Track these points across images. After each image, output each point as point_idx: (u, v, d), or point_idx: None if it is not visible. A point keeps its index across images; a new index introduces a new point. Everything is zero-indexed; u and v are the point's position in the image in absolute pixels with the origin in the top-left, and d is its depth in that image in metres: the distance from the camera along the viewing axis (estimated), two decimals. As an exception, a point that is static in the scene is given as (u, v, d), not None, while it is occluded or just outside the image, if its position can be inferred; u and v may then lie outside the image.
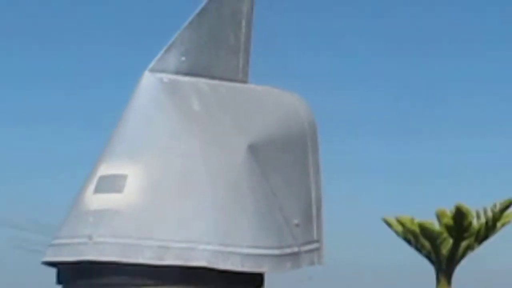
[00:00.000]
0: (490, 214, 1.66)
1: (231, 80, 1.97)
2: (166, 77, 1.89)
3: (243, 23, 2.00)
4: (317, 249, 1.97)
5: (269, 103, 1.98)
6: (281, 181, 1.92)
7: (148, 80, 1.88)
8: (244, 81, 2.00)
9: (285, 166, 1.95)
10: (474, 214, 1.64)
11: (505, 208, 1.62)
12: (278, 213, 1.88)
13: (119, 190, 1.82)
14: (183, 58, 1.91)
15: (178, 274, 1.76)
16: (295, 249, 1.89)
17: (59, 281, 1.88)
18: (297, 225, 1.92)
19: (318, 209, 1.98)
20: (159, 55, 1.89)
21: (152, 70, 1.88)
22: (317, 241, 1.98)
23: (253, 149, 1.86)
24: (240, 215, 1.82)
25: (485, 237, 1.74)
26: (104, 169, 1.84)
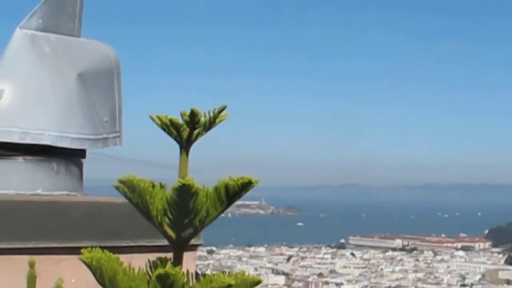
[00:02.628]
0: (211, 114, 2.17)
1: (70, 35, 2.86)
2: (29, 32, 2.76)
3: (78, 2, 2.83)
4: (119, 136, 2.89)
5: (91, 49, 2.88)
6: (97, 96, 2.82)
7: (18, 33, 2.76)
8: (78, 36, 2.87)
9: (100, 86, 2.84)
10: (202, 114, 2.15)
11: (221, 110, 2.13)
12: (95, 115, 2.79)
13: (-1, 98, 2.68)
14: (40, 21, 2.77)
15: (34, 149, 2.67)
16: (105, 136, 2.82)
17: None
18: (106, 122, 2.84)
19: (120, 113, 2.90)
20: (25, 18, 2.77)
21: (21, 28, 2.78)
22: (119, 131, 2.89)
23: (81, 76, 2.78)
24: (71, 116, 2.73)
25: (209, 128, 2.27)
26: (-9, 86, 2.70)
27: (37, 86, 2.67)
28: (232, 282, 1.91)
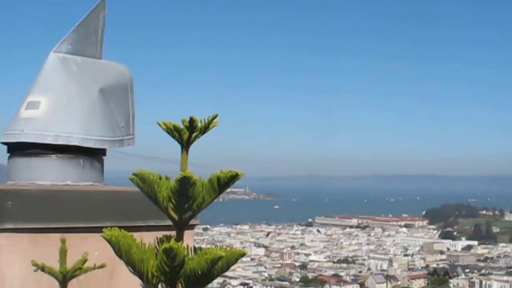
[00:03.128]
0: (206, 121, 2.13)
1: (93, 58, 2.85)
2: (60, 55, 2.76)
3: (99, 31, 2.82)
4: (132, 138, 2.88)
5: (110, 68, 2.87)
6: (115, 105, 2.81)
7: (52, 56, 2.76)
8: (99, 58, 2.87)
9: (117, 98, 2.84)
10: (199, 120, 2.10)
11: (213, 118, 2.09)
12: (113, 121, 2.79)
13: (36, 108, 2.68)
14: (69, 46, 2.76)
15: (65, 149, 2.66)
16: (121, 138, 2.82)
17: (8, 152, 2.72)
18: (122, 127, 2.83)
19: (133, 119, 2.89)
20: (57, 44, 2.77)
21: (54, 51, 2.77)
22: (132, 134, 2.88)
23: (102, 90, 2.78)
24: (94, 122, 2.72)
25: (204, 132, 2.21)
26: (30, 98, 2.70)
27: (67, 98, 2.67)
28: (223, 254, 1.91)
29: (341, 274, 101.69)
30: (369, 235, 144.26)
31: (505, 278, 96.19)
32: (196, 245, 2.25)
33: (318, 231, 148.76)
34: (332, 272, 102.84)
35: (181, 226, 2.00)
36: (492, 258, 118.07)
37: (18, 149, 2.67)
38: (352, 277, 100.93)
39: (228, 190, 2.03)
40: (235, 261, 1.97)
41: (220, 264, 1.93)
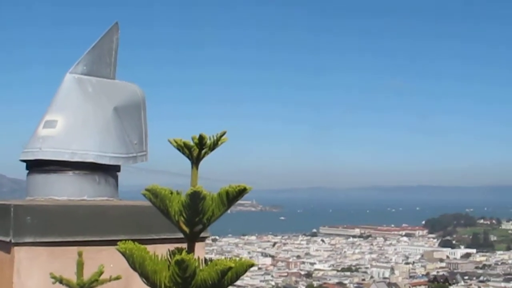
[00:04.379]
0: (215, 138, 2.07)
1: (107, 78, 2.85)
2: (76, 75, 2.76)
3: (113, 53, 2.83)
4: (145, 154, 2.88)
5: (123, 88, 2.88)
6: (128, 123, 2.81)
7: (68, 77, 2.76)
8: (113, 78, 2.87)
9: (130, 116, 2.83)
10: (208, 137, 2.02)
11: (222, 135, 2.06)
12: (126, 138, 2.79)
13: (53, 127, 2.68)
14: (84, 67, 2.77)
15: (81, 166, 2.67)
16: (134, 154, 2.81)
17: (27, 169, 2.73)
18: (135, 144, 2.83)
19: (145, 136, 2.88)
20: (73, 65, 2.78)
21: (70, 72, 2.77)
22: (145, 151, 2.88)
23: (116, 109, 2.78)
24: (108, 139, 2.73)
25: (213, 148, 2.18)
26: (48, 117, 2.71)
27: (82, 117, 2.67)
28: (232, 265, 1.91)
29: (345, 282, 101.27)
30: (372, 244, 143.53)
31: (503, 284, 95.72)
32: (207, 256, 2.25)
33: (323, 240, 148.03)
34: (336, 280, 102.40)
35: (192, 238, 1.99)
36: (490, 265, 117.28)
37: (36, 166, 2.68)
38: (355, 285, 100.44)
39: (236, 202, 2.03)
40: (244, 271, 1.96)
41: (230, 274, 1.93)
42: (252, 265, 2.00)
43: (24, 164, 2.74)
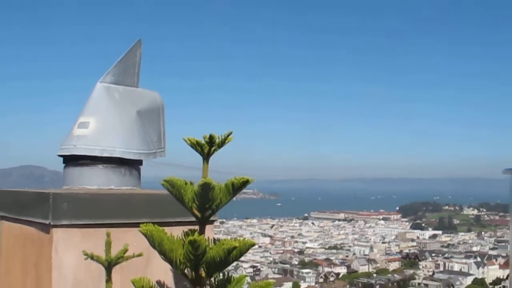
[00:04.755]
0: (223, 137, 1.98)
1: (131, 86, 2.83)
2: (105, 84, 2.74)
3: (137, 65, 2.81)
4: (163, 151, 2.85)
5: (145, 95, 2.85)
6: (149, 124, 2.79)
7: (98, 86, 2.75)
8: (136, 87, 2.85)
9: (151, 119, 2.81)
10: (217, 137, 1.89)
11: (229, 134, 1.94)
12: (147, 137, 2.77)
13: (86, 127, 2.67)
14: (112, 78, 2.75)
15: (109, 160, 2.64)
16: (154, 151, 2.79)
17: (64, 163, 2.72)
18: (155, 142, 2.80)
19: (164, 135, 2.86)
20: (103, 76, 2.76)
21: (100, 82, 2.75)
22: (163, 148, 2.85)
23: (139, 112, 2.76)
24: (132, 138, 2.71)
25: (221, 146, 2.03)
26: (81, 119, 2.70)
27: (110, 119, 2.66)
28: (237, 244, 1.91)
29: (332, 258, 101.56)
30: (354, 226, 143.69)
31: (464, 260, 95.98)
32: (215, 237, 2.25)
33: (313, 223, 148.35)
34: (324, 256, 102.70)
35: (203, 222, 2.00)
36: (453, 244, 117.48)
37: (71, 160, 2.67)
38: (340, 261, 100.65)
39: (240, 192, 2.03)
40: (247, 250, 1.97)
41: (234, 252, 1.93)
42: (254, 244, 2.00)
43: (61, 158, 2.73)
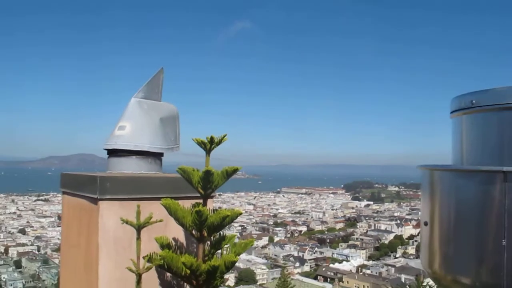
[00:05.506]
0: (219, 138, 1.70)
1: (156, 100, 2.77)
2: (137, 99, 2.70)
3: (160, 85, 2.76)
4: (178, 146, 2.80)
5: (166, 106, 2.79)
6: (169, 127, 2.74)
7: (132, 100, 2.69)
8: (159, 100, 2.79)
9: (170, 123, 2.75)
10: (216, 138, 1.69)
11: (224, 136, 1.73)
12: (167, 136, 2.72)
13: (124, 129, 2.62)
14: (143, 94, 2.70)
15: (140, 153, 2.60)
16: (171, 146, 2.74)
17: (108, 154, 2.67)
18: (172, 140, 2.75)
19: (179, 135, 2.81)
20: (136, 92, 2.71)
21: (134, 97, 2.70)
22: (178, 144, 2.81)
23: (161, 119, 2.71)
24: (156, 137, 2.65)
25: (219, 144, 1.80)
26: (120, 123, 2.65)
27: (141, 124, 2.61)
28: (229, 213, 1.91)
29: (296, 220, 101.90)
30: (312, 198, 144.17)
31: (388, 222, 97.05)
32: (215, 206, 2.24)
33: (283, 196, 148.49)
34: (291, 219, 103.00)
35: (205, 197, 2.00)
36: (381, 211, 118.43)
37: (113, 153, 2.63)
38: (302, 222, 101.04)
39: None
40: (236, 217, 1.97)
41: (227, 219, 1.93)
42: (241, 213, 2.00)
43: (106, 151, 2.69)
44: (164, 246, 2.01)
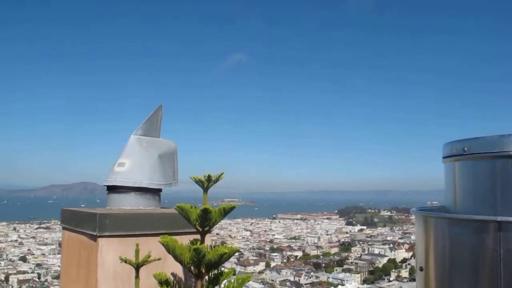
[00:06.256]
0: (217, 176, 1.64)
1: (155, 137, 2.76)
2: (137, 136, 2.69)
3: (158, 123, 2.76)
4: (176, 182, 2.78)
5: (164, 143, 2.79)
6: (167, 164, 2.72)
7: (132, 137, 2.69)
8: (158, 137, 2.78)
9: (168, 160, 2.73)
10: (213, 175, 1.64)
11: (221, 174, 1.67)
12: (165, 173, 2.69)
13: (123, 166, 2.60)
14: (142, 131, 2.69)
15: (138, 189, 2.57)
16: (170, 182, 2.71)
17: (107, 190, 2.64)
18: (170, 175, 2.72)
19: (177, 171, 2.79)
20: (135, 130, 2.70)
21: (134, 134, 2.69)
22: (176, 180, 2.78)
23: (160, 156, 2.69)
24: (155, 174, 2.63)
25: (216, 182, 1.71)
26: (120, 160, 2.63)
27: (140, 161, 2.59)
28: (226, 251, 1.87)
29: (292, 245, 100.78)
30: (307, 223, 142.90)
31: (381, 246, 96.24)
32: (212, 239, 2.20)
33: (279, 221, 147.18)
34: (287, 244, 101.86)
35: (203, 233, 1.95)
36: (374, 235, 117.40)
37: (112, 189, 2.60)
38: (297, 247, 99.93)
39: (229, 199, 2.01)
40: (233, 254, 1.92)
41: (225, 256, 1.89)
42: (238, 250, 1.96)
43: (106, 187, 2.66)
44: (163, 282, 1.96)
